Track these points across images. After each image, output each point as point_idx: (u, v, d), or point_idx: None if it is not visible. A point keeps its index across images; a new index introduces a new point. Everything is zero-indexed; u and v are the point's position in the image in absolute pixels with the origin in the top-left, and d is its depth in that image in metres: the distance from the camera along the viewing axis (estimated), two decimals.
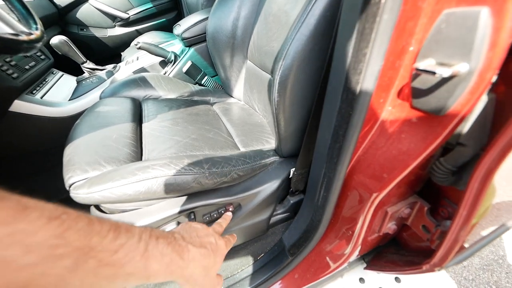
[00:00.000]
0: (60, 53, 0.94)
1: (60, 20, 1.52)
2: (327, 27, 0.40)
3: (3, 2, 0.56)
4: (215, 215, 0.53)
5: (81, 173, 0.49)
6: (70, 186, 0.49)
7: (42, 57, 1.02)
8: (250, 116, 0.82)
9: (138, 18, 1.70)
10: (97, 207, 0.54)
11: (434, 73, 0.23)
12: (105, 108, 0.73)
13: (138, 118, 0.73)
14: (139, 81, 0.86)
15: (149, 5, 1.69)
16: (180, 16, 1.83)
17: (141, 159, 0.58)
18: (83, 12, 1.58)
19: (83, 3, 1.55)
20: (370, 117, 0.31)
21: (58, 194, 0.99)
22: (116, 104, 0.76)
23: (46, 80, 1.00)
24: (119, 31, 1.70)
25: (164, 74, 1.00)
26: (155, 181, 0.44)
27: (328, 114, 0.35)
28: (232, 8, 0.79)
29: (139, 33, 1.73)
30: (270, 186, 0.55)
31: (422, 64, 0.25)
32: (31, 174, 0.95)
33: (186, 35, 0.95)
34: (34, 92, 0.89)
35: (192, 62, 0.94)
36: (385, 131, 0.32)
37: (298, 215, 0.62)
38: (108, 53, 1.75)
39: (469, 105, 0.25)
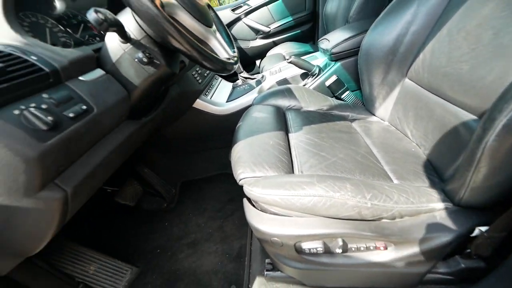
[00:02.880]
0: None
1: None
2: None
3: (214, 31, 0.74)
4: (362, 249, 0.52)
5: (250, 171, 0.59)
6: (240, 180, 0.60)
7: None
8: (400, 141, 0.74)
9: (277, 31, 1.89)
10: (249, 200, 0.64)
11: None
12: (259, 114, 0.85)
13: (284, 127, 0.81)
14: (285, 92, 0.95)
15: (289, 19, 1.84)
16: (314, 28, 1.90)
17: (292, 169, 0.63)
18: (236, 28, 1.90)
19: (238, 21, 1.87)
20: None
21: (206, 172, 1.26)
22: (267, 112, 0.86)
23: (212, 84, 1.27)
24: (259, 42, 1.95)
25: (304, 86, 1.06)
26: (320, 199, 0.47)
27: None
28: (400, 23, 0.74)
29: (275, 44, 1.92)
30: (436, 239, 0.47)
31: None
32: (192, 152, 1.24)
33: (335, 50, 0.97)
34: (206, 93, 1.15)
35: (337, 76, 0.95)
36: None
37: None
38: (246, 62, 2.04)
39: None
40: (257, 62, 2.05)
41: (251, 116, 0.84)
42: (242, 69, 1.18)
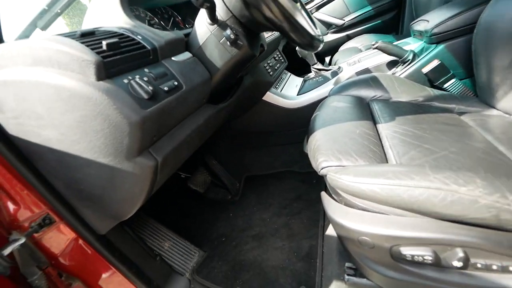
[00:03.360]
0: (300, 56, 1.12)
1: None
2: None
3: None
4: (494, 268, 0.38)
5: (335, 160, 0.52)
6: (322, 169, 0.53)
7: (282, 60, 1.28)
8: None
9: (353, 23, 1.74)
10: (329, 193, 0.57)
11: None
12: (339, 104, 0.76)
13: (371, 117, 0.70)
14: (370, 81, 0.84)
15: (368, 9, 1.67)
16: (398, 16, 1.67)
17: (386, 160, 0.53)
18: None
19: None
20: None
21: (270, 168, 1.24)
22: (348, 102, 0.77)
23: (282, 78, 1.25)
24: (331, 37, 1.83)
25: (395, 73, 0.92)
26: (438, 193, 0.37)
27: None
28: None
29: (349, 38, 1.77)
30: None
31: None
32: (257, 147, 1.24)
33: (437, 30, 0.80)
34: (276, 87, 1.13)
35: (439, 60, 0.78)
36: None
37: None
38: (317, 58, 1.95)
39: None
40: (327, 58, 1.94)
41: (330, 105, 0.77)
42: (315, 60, 1.12)
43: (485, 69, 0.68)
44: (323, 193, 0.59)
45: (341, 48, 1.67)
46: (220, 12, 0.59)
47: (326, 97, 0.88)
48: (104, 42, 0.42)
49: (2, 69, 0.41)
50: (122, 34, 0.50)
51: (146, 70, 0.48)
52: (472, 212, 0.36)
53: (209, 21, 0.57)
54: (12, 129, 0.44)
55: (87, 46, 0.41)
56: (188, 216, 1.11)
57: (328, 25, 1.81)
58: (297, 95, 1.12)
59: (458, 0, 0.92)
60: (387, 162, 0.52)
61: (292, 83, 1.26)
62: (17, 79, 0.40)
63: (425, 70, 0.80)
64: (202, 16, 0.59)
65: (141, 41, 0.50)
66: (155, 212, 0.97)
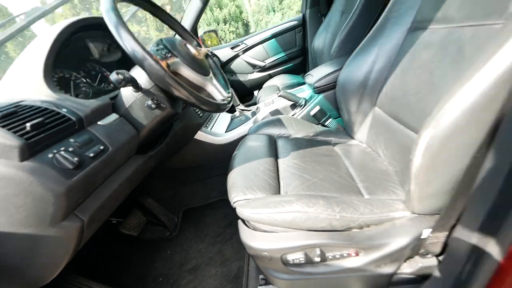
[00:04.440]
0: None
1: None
2: (488, 105, 0.40)
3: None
4: (337, 256, 0.59)
5: (242, 194, 0.68)
6: (234, 203, 0.69)
7: None
8: (373, 161, 0.83)
9: (272, 64, 2.08)
10: (243, 220, 0.72)
11: None
12: (253, 143, 0.96)
13: (275, 153, 0.91)
14: (276, 122, 1.07)
15: (282, 54, 2.04)
16: (305, 61, 2.09)
17: (279, 191, 0.72)
18: (235, 64, 2.11)
19: (236, 58, 2.07)
20: None
21: (207, 199, 1.34)
22: (259, 140, 0.97)
23: (213, 116, 1.41)
24: (256, 75, 2.14)
25: (293, 115, 1.18)
26: (297, 214, 0.56)
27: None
28: (367, 62, 0.87)
29: (270, 76, 2.10)
30: (397, 243, 0.54)
31: None
32: (193, 181, 1.34)
33: (317, 84, 1.10)
34: (207, 125, 1.28)
35: (320, 107, 1.07)
36: None
37: (427, 284, 0.56)
38: (245, 93, 2.21)
39: None
40: (255, 92, 2.22)
41: (246, 145, 0.95)
42: (239, 102, 1.33)
43: (345, 112, 0.98)
44: (239, 221, 0.74)
45: (264, 85, 1.97)
46: (144, 82, 0.69)
47: (247, 134, 1.07)
48: (28, 124, 0.47)
49: None
50: (46, 109, 0.55)
51: (71, 140, 0.54)
52: (317, 224, 0.56)
53: (134, 89, 0.69)
54: None
55: (10, 128, 0.45)
56: (123, 262, 1.10)
57: (253, 66, 2.11)
58: (226, 132, 1.30)
59: (334, 60, 1.27)
60: (279, 193, 0.71)
61: (222, 120, 1.44)
62: None
63: (312, 113, 1.08)
64: None
65: (66, 114, 0.56)
66: (84, 266, 0.94)
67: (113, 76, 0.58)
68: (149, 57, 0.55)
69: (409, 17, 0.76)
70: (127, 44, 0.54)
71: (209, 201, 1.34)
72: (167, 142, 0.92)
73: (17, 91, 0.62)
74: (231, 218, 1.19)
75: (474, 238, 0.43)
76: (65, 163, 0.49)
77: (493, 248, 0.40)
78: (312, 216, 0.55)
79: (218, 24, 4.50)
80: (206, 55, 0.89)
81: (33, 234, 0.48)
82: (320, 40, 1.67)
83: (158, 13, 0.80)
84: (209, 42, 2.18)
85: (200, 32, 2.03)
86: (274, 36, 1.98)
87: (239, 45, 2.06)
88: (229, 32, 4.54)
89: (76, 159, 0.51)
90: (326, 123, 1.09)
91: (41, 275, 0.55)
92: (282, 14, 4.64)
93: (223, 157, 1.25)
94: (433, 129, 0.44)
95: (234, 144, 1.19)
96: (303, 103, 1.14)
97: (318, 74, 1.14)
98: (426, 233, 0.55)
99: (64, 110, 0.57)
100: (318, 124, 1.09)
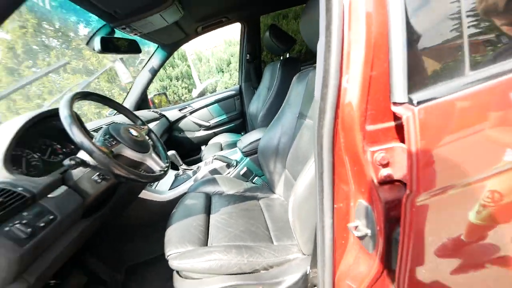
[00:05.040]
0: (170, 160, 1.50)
1: (169, 128, 2.29)
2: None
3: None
4: None
5: (175, 249, 0.84)
6: (167, 256, 0.83)
7: None
8: (286, 213, 1.09)
9: (216, 124, 2.39)
10: (178, 272, 0.86)
11: None
12: (190, 201, 1.14)
13: (208, 210, 1.10)
14: (212, 180, 1.29)
15: (224, 116, 2.39)
16: (244, 123, 2.47)
17: (206, 243, 0.90)
18: (183, 123, 2.35)
19: (184, 118, 2.33)
20: None
21: (150, 253, 1.39)
22: (196, 198, 1.16)
23: None
24: (202, 133, 2.40)
25: (227, 174, 1.43)
26: (214, 262, 0.74)
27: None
28: (276, 135, 1.20)
29: (215, 134, 2.39)
30: (291, 279, 0.76)
31: None
32: (137, 237, 1.39)
33: (245, 149, 1.40)
34: (151, 184, 1.42)
35: (247, 167, 1.35)
36: None
37: None
38: (193, 147, 2.43)
39: None
40: (202, 148, 2.45)
41: (184, 203, 1.13)
42: (181, 162, 1.52)
43: (266, 172, 1.26)
44: (174, 272, 0.87)
45: (209, 143, 2.23)
46: (91, 160, 0.86)
47: (187, 192, 1.25)
48: None
49: None
50: (4, 189, 0.67)
51: (24, 213, 0.66)
52: (230, 268, 0.75)
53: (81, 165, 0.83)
54: None
55: None
56: None
57: (199, 125, 2.39)
58: (169, 189, 1.45)
59: (259, 129, 1.61)
60: (207, 245, 0.89)
61: (166, 178, 1.58)
62: None
63: (242, 172, 1.34)
64: None
65: (21, 192, 0.69)
66: None
67: (66, 162, 0.73)
68: (96, 149, 0.73)
69: (297, 108, 1.13)
70: (78, 138, 0.71)
71: (152, 255, 1.39)
72: (110, 206, 1.04)
73: None
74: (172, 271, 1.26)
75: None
76: (20, 234, 0.61)
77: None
78: (225, 262, 0.75)
79: (171, 80, 4.85)
80: (149, 131, 1.11)
81: None
82: (253, 107, 2.07)
83: (109, 103, 1.01)
84: (158, 103, 2.41)
85: (150, 95, 2.27)
86: (217, 101, 2.34)
87: (186, 108, 2.34)
88: (182, 88, 4.89)
89: (29, 229, 0.63)
90: (254, 180, 1.36)
91: None
92: (230, 75, 5.24)
93: (166, 212, 1.36)
94: (293, 195, 0.72)
95: (177, 201, 1.33)
96: (234, 164, 1.41)
97: (246, 140, 1.45)
98: (308, 269, 0.78)
99: (20, 189, 0.69)
100: (247, 181, 1.35)
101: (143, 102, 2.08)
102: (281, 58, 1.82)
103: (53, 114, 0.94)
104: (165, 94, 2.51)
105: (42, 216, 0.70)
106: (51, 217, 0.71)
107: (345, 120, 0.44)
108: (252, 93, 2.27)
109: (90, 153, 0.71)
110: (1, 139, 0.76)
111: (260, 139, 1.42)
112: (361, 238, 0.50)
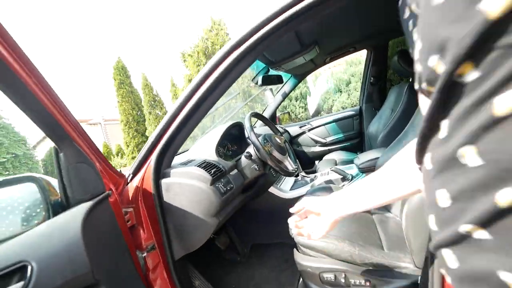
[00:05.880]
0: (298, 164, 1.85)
1: (290, 142, 2.70)
2: None
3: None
4: (357, 283, 0.92)
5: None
6: (292, 234, 1.12)
7: None
8: (401, 231, 1.14)
9: (332, 142, 2.58)
10: (297, 248, 1.13)
11: None
12: None
13: None
14: (327, 189, 1.49)
15: (341, 135, 2.54)
16: (361, 143, 2.51)
17: None
18: (301, 138, 2.70)
19: (303, 134, 2.68)
20: None
21: (270, 239, 1.76)
22: None
23: (281, 177, 1.94)
24: (318, 149, 2.65)
25: (342, 186, 1.59)
26: (330, 245, 0.95)
27: None
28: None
29: (330, 151, 2.58)
30: (400, 283, 0.84)
31: None
32: (261, 222, 1.80)
33: (362, 166, 1.52)
34: (277, 183, 1.80)
35: None
36: None
37: None
38: (308, 161, 2.72)
39: None
40: (316, 162, 2.70)
41: None
42: (301, 170, 1.82)
43: None
44: (294, 250, 1.15)
45: (324, 158, 2.44)
46: (254, 154, 1.31)
47: (304, 194, 1.53)
48: (212, 170, 1.11)
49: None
50: (215, 165, 1.18)
51: (222, 179, 1.15)
52: (343, 254, 0.93)
53: (248, 159, 1.29)
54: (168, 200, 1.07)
55: (205, 170, 1.10)
56: (211, 266, 1.59)
57: (316, 141, 2.66)
58: (290, 190, 1.78)
59: (378, 149, 1.67)
60: None
61: (288, 181, 1.94)
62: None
63: None
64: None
65: (222, 168, 1.19)
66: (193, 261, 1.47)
67: (245, 154, 1.19)
68: (261, 147, 1.14)
69: None
70: (254, 140, 1.15)
71: (272, 241, 1.75)
72: (255, 189, 1.47)
73: (203, 154, 1.30)
74: (287, 256, 1.56)
75: None
76: (222, 189, 1.08)
77: None
78: (339, 247, 0.94)
79: (290, 101, 5.45)
80: (285, 141, 1.48)
81: (202, 218, 1.03)
82: (373, 128, 2.12)
83: (261, 118, 1.46)
84: (282, 120, 2.89)
85: (278, 112, 2.78)
86: (334, 121, 2.54)
87: (305, 125, 2.69)
88: (299, 107, 5.40)
89: (224, 189, 1.09)
90: None
91: (195, 242, 1.07)
92: (348, 95, 5.25)
93: (286, 209, 1.69)
94: (408, 204, 0.83)
95: (296, 200, 1.63)
96: (350, 178, 1.55)
97: (363, 158, 1.56)
98: (419, 279, 0.84)
99: (221, 165, 1.19)
100: None
101: (273, 119, 2.60)
102: (409, 80, 1.80)
103: (233, 125, 1.48)
104: (288, 113, 2.98)
105: (228, 184, 1.16)
106: (231, 185, 1.17)
107: None
108: (372, 114, 2.31)
109: (258, 149, 1.13)
110: (214, 138, 1.32)
111: (378, 157, 1.50)
112: None
